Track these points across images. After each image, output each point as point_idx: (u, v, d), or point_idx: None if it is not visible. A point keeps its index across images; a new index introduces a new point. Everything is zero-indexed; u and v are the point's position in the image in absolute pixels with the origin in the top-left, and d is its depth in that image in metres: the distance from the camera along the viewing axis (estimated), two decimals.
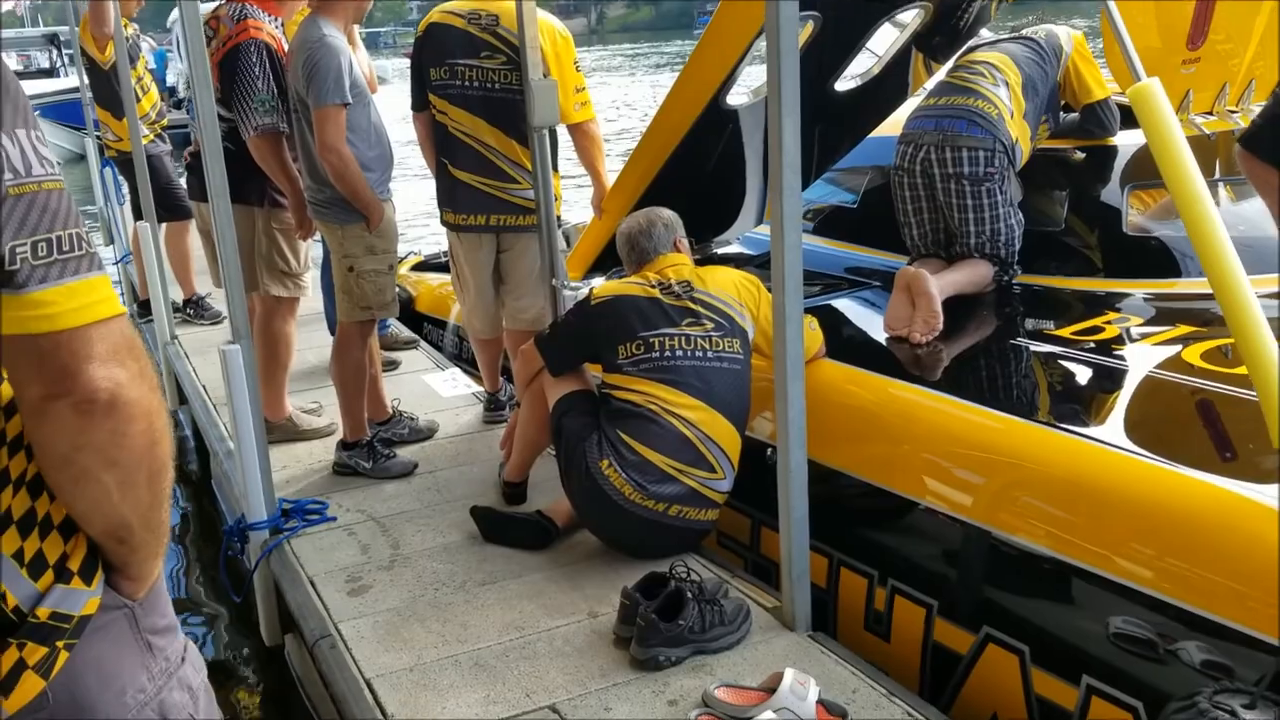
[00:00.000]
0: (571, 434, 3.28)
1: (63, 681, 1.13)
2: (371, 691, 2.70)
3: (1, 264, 0.99)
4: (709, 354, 3.26)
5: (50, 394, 1.04)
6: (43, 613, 1.12)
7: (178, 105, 13.85)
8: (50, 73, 21.63)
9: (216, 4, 4.32)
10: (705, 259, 4.73)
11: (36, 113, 1.09)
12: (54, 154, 1.08)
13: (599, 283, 4.33)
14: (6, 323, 1.00)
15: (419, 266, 6.59)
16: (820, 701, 2.45)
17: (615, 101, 23.44)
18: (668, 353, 3.25)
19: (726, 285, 3.40)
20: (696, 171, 4.31)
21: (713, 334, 3.28)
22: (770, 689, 2.48)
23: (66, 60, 20.50)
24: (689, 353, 3.25)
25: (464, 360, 5.47)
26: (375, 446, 4.07)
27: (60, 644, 1.13)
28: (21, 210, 1.01)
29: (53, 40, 21.96)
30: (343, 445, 4.07)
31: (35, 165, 1.03)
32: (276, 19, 4.25)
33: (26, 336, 1.01)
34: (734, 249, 5.08)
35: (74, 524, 1.16)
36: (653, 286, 3.38)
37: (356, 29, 4.56)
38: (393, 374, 5.11)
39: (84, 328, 1.03)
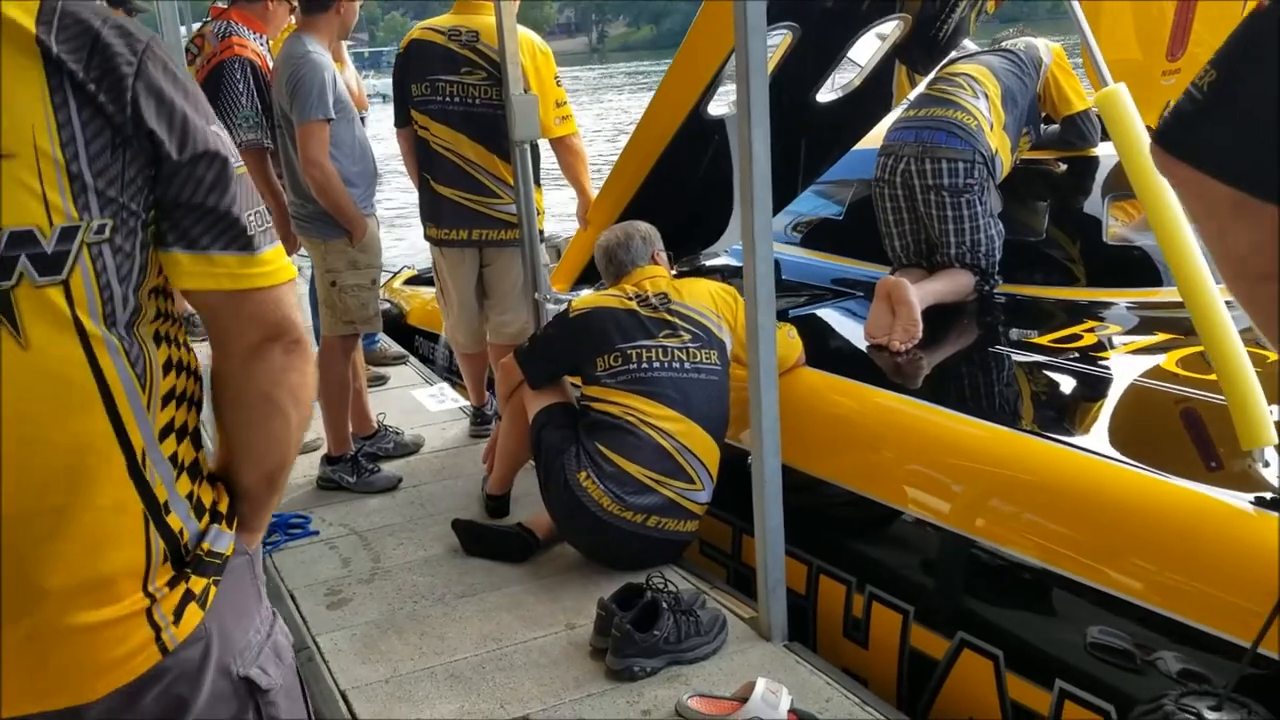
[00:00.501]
0: (550, 446, 3.28)
1: (213, 613, 1.26)
2: (346, 703, 2.69)
3: (244, 230, 1.21)
4: (686, 365, 3.26)
5: (268, 337, 1.25)
6: (204, 547, 1.27)
7: None
8: None
9: (202, 22, 4.35)
10: (693, 270, 4.74)
11: None
12: None
13: (586, 294, 4.34)
14: (244, 279, 1.21)
15: (411, 280, 6.61)
16: (793, 710, 2.44)
17: (618, 124, 23.50)
18: (645, 364, 3.26)
19: (703, 296, 3.40)
20: (684, 183, 4.32)
21: (690, 345, 3.29)
22: (743, 699, 2.48)
23: None
24: (666, 364, 3.26)
25: (455, 374, 5.47)
26: (360, 461, 4.07)
27: (212, 579, 1.27)
28: (245, 187, 1.22)
29: None
30: (327, 460, 4.08)
31: (236, 151, 1.24)
32: (261, 36, 4.29)
33: (253, 290, 1.22)
34: (722, 260, 5.08)
35: (214, 475, 1.34)
36: (630, 299, 3.39)
37: (346, 46, 4.60)
38: (381, 389, 5.12)
39: (288, 283, 1.26)
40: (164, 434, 1.22)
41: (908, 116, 3.91)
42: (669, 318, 3.33)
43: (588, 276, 4.68)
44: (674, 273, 3.81)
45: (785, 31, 3.80)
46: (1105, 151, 4.00)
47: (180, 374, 1.25)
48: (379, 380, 5.17)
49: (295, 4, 4.24)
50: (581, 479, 3.15)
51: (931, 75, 4.12)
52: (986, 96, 3.79)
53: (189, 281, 1.21)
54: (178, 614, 1.23)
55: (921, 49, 4.18)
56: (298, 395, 1.31)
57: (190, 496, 1.26)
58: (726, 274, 4.65)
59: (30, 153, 1.08)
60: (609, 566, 3.24)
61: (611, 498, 3.12)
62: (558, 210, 5.41)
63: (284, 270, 1.26)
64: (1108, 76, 2.53)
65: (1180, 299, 3.45)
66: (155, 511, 1.21)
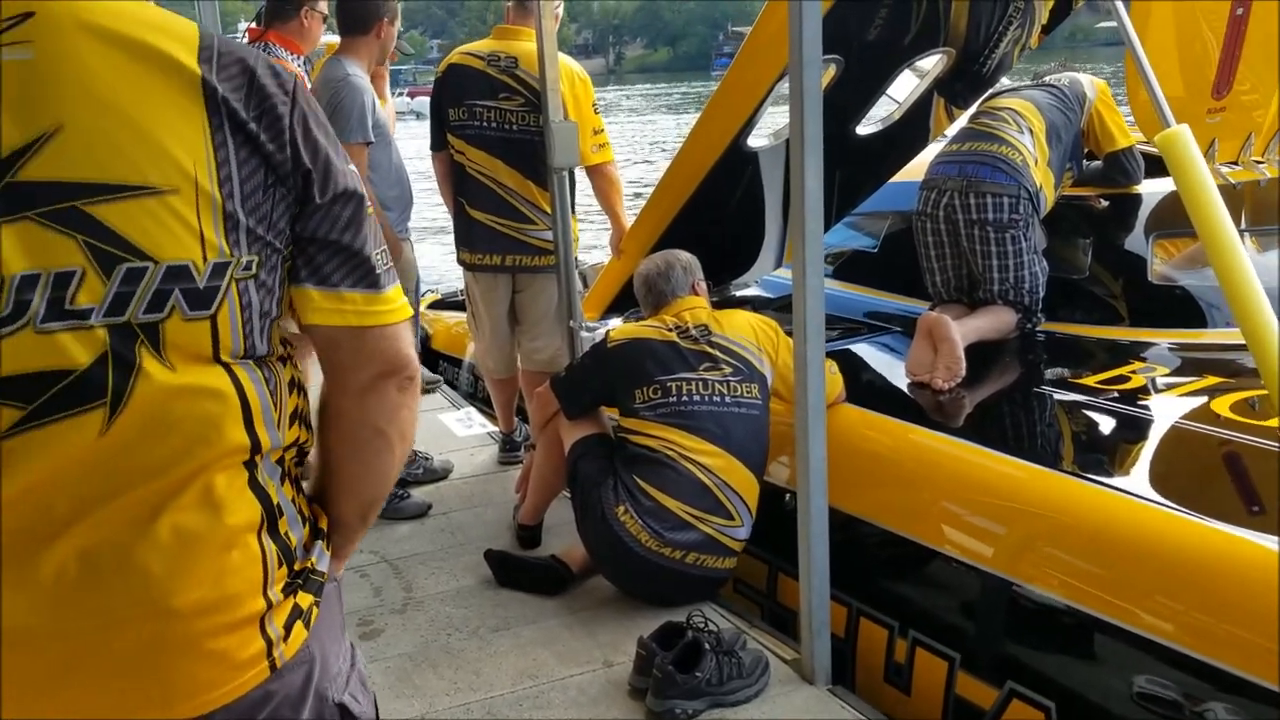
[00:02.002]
0: (587, 478, 3.24)
1: (315, 637, 1.26)
2: None
3: (373, 269, 1.24)
4: (727, 399, 3.22)
5: (384, 373, 1.27)
6: (311, 562, 1.28)
7: None
8: None
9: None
10: (723, 301, 4.71)
11: None
12: None
13: (616, 323, 4.31)
14: (369, 316, 1.24)
15: (435, 305, 6.59)
16: None
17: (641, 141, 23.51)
18: (685, 397, 3.22)
19: (744, 329, 3.36)
20: (716, 213, 4.29)
21: (730, 379, 3.25)
22: None
23: None
24: (706, 398, 3.21)
25: (479, 399, 5.44)
26: None
27: (316, 599, 1.27)
28: (373, 227, 1.26)
29: None
30: None
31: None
32: (299, 57, 4.27)
33: (374, 327, 1.24)
34: (752, 291, 5.05)
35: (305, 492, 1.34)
36: (670, 330, 3.35)
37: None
38: None
39: (406, 321, 1.29)
40: (288, 448, 1.26)
41: (951, 150, 3.87)
42: (709, 350, 3.29)
43: (618, 305, 4.66)
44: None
45: (830, 64, 3.77)
46: (1149, 189, 3.96)
47: (298, 392, 1.28)
48: None
49: (325, 18, 4.24)
50: (619, 513, 3.10)
51: (974, 109, 4.08)
52: (1031, 132, 3.75)
53: (318, 317, 1.22)
54: (287, 629, 1.23)
55: (964, 83, 4.15)
56: (405, 431, 1.33)
57: (295, 503, 1.27)
58: (757, 305, 4.62)
59: (191, 189, 1.09)
60: (645, 602, 3.19)
61: (650, 533, 3.07)
62: (586, 240, 5.38)
63: (403, 309, 1.28)
64: (1170, 117, 2.49)
65: (1226, 341, 3.47)
66: (271, 515, 1.22)
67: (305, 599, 1.25)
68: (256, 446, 1.18)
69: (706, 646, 2.72)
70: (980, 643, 2.78)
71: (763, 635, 3.02)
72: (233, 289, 1.13)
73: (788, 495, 3.22)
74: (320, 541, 1.31)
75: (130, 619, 1.12)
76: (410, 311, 1.30)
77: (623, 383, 3.33)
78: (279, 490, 1.23)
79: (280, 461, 1.24)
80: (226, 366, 1.14)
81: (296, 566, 1.25)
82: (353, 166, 1.25)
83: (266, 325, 1.18)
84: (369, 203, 1.26)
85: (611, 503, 3.12)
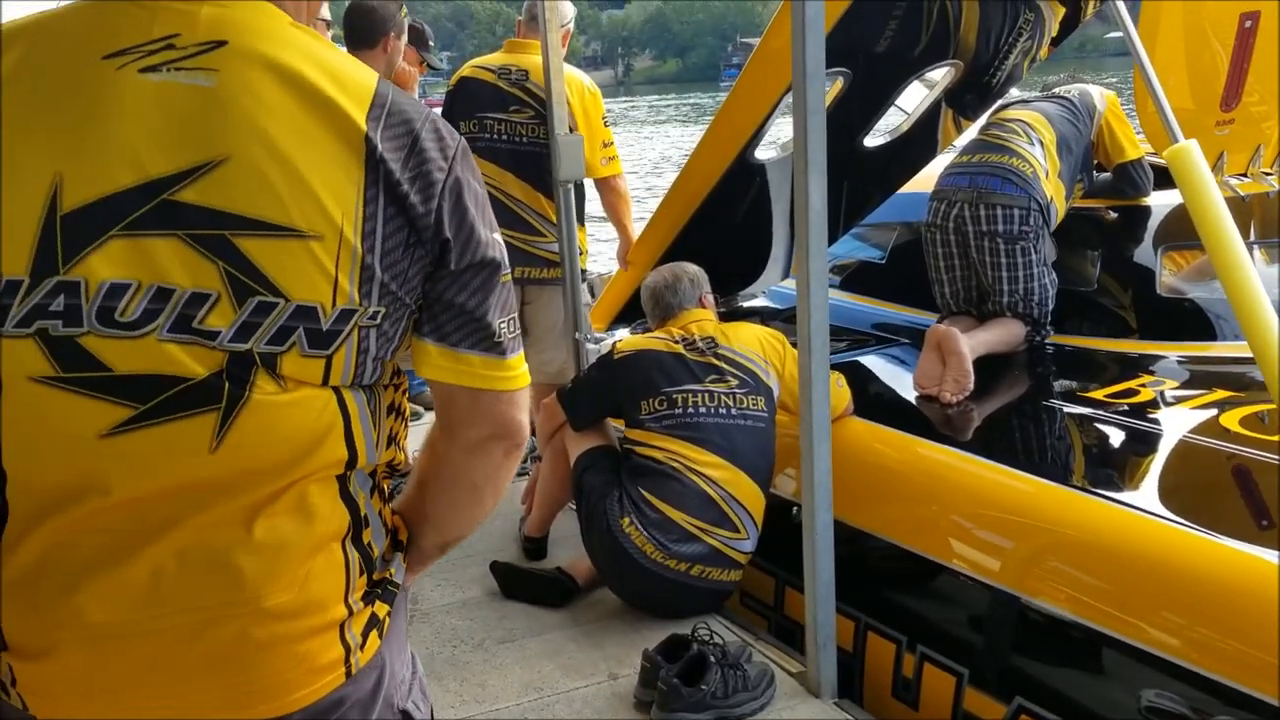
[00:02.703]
0: (593, 490, 3.24)
1: (386, 644, 1.29)
2: None
3: (494, 335, 1.25)
4: (733, 411, 3.22)
5: (493, 435, 1.30)
6: (391, 572, 1.31)
7: None
8: None
9: None
10: (730, 312, 4.70)
11: None
12: None
13: (623, 335, 4.31)
14: (486, 380, 1.26)
15: None
16: None
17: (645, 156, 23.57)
18: (691, 409, 3.21)
19: (751, 341, 3.36)
20: (723, 225, 4.29)
21: (737, 391, 3.24)
22: None
23: None
24: (712, 410, 3.21)
25: None
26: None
27: (390, 609, 1.30)
28: (505, 295, 1.27)
29: None
30: None
31: (508, 258, 1.28)
32: None
33: (490, 391, 1.27)
34: (760, 302, 5.05)
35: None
36: (676, 342, 3.35)
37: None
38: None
39: (524, 389, 1.30)
40: (385, 470, 1.30)
41: (961, 162, 3.87)
42: (716, 362, 3.29)
43: (626, 316, 4.65)
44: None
45: (837, 77, 3.77)
46: (1158, 201, 3.94)
47: (397, 417, 1.31)
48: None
49: (330, 24, 4.25)
50: (625, 525, 3.10)
51: (984, 121, 4.08)
52: (1042, 143, 3.74)
53: (433, 373, 1.25)
54: (364, 636, 1.26)
55: (973, 94, 4.15)
56: (499, 488, 1.38)
57: (382, 515, 1.30)
58: (765, 316, 4.62)
59: (335, 238, 1.13)
60: (651, 614, 3.18)
61: (655, 545, 3.06)
62: (594, 251, 5.39)
63: (522, 377, 1.30)
64: (1178, 132, 2.48)
65: (1234, 354, 3.45)
66: (358, 525, 1.24)
67: (381, 609, 1.29)
68: (353, 462, 1.21)
69: (711, 659, 2.71)
70: (988, 658, 2.76)
71: (768, 648, 3.01)
72: (354, 334, 1.16)
73: (795, 508, 3.21)
74: (400, 554, 1.34)
75: (222, 617, 1.15)
76: (529, 380, 1.33)
77: (629, 394, 3.32)
78: (368, 501, 1.26)
79: (372, 474, 1.27)
80: (336, 389, 1.18)
81: (376, 576, 1.28)
82: (498, 235, 1.27)
83: (379, 365, 1.21)
84: (506, 270, 1.27)
85: (616, 515, 3.12)
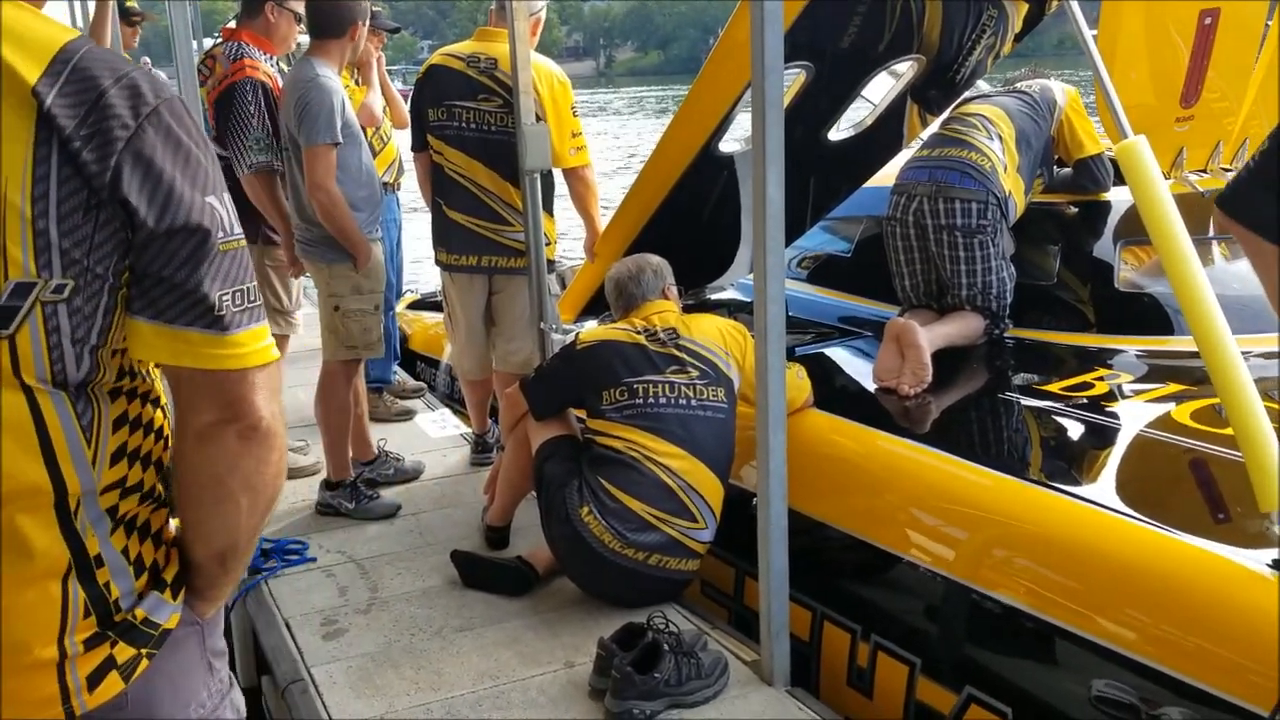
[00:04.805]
0: (553, 480, 3.25)
1: (140, 686, 1.21)
2: None
3: (212, 309, 1.15)
4: (693, 402, 3.23)
5: (222, 419, 1.19)
6: (139, 614, 1.22)
7: None
8: None
9: (213, 43, 4.34)
10: (699, 304, 4.72)
11: None
12: None
13: (591, 325, 4.32)
14: (206, 359, 1.16)
15: (414, 305, 6.58)
16: None
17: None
18: (651, 399, 3.23)
19: (712, 333, 3.38)
20: (692, 217, 4.30)
21: (697, 382, 3.26)
22: None
23: None
24: (673, 400, 3.23)
25: (455, 400, 5.44)
26: (359, 487, 4.03)
27: (144, 651, 1.22)
28: (227, 264, 1.17)
29: None
30: (326, 485, 4.04)
31: (235, 224, 1.20)
32: (272, 57, 4.27)
33: (216, 371, 1.17)
34: (728, 294, 5.07)
35: (163, 538, 1.28)
36: (638, 333, 3.36)
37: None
38: (404, 421, 5.09)
39: (259, 367, 1.20)
40: (109, 489, 1.19)
41: (922, 156, 3.89)
42: (677, 354, 3.30)
43: (593, 307, 4.66)
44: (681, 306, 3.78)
45: (800, 71, 3.79)
46: (1117, 196, 3.98)
47: (138, 431, 1.21)
48: (406, 414, 5.13)
49: (299, 18, 4.24)
50: (584, 514, 3.11)
51: (945, 115, 4.10)
52: (1001, 138, 3.77)
53: (146, 352, 1.17)
54: (93, 680, 1.18)
55: (938, 90, 4.17)
56: (253, 483, 1.25)
57: (127, 553, 1.21)
58: (733, 308, 4.63)
59: None
60: (609, 603, 3.20)
61: (613, 534, 3.08)
62: (575, 235, 5.38)
63: (257, 354, 1.20)
64: (1128, 128, 2.51)
65: (1190, 348, 3.48)
66: (83, 563, 1.17)
67: (126, 651, 1.20)
68: (62, 487, 1.13)
69: (666, 648, 2.73)
70: (940, 648, 2.79)
71: (724, 637, 3.03)
72: (37, 311, 1.08)
73: (754, 499, 3.23)
74: (159, 592, 1.25)
75: None
76: (272, 356, 1.23)
77: (590, 384, 3.34)
78: (104, 539, 1.18)
79: (113, 510, 1.19)
80: (29, 391, 1.10)
81: (117, 618, 1.20)
82: (214, 200, 1.17)
83: (84, 352, 1.12)
84: (229, 238, 1.18)
85: (576, 504, 3.13)
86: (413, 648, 3.06)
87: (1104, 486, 2.77)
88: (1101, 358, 3.60)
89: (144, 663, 1.22)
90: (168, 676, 1.24)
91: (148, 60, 6.79)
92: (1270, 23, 4.20)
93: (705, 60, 3.79)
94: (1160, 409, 3.14)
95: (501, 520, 3.67)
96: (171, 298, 1.14)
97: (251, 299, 1.20)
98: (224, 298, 1.16)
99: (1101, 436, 3.12)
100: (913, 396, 3.43)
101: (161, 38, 7.43)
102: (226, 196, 1.20)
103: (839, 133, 4.30)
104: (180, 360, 1.16)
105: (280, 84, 4.13)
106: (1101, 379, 3.41)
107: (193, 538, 1.29)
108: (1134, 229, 3.85)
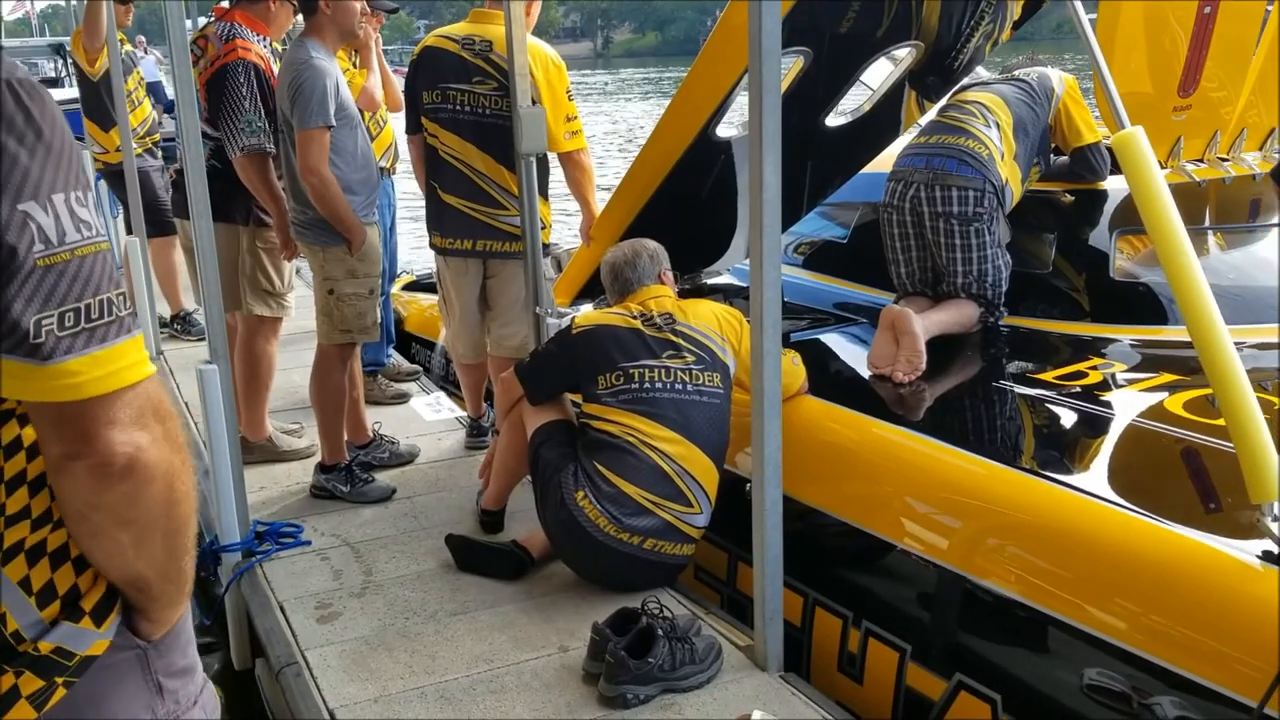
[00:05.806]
0: (548, 464, 3.25)
1: (59, 715, 1.14)
2: None
3: (27, 337, 0.99)
4: (688, 387, 3.24)
5: (68, 454, 1.06)
6: (45, 646, 1.13)
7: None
8: (55, 83, 21.57)
9: (205, 23, 4.31)
10: (695, 289, 4.72)
11: None
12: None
13: (587, 309, 4.31)
14: (33, 391, 1.02)
15: (409, 287, 6.57)
16: None
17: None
18: (647, 384, 3.23)
19: (708, 318, 3.38)
20: (689, 201, 4.29)
21: (693, 367, 3.26)
22: None
23: (71, 71, 20.43)
24: (668, 385, 3.23)
25: (450, 382, 5.44)
26: (354, 470, 4.03)
27: (59, 680, 1.14)
28: (50, 281, 1.01)
29: (58, 50, 21.90)
30: (321, 468, 4.04)
31: (70, 231, 1.03)
32: (265, 39, 4.25)
33: (49, 403, 1.03)
34: (724, 279, 5.06)
35: (85, 562, 1.17)
36: (634, 318, 3.36)
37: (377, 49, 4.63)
38: (398, 404, 5.09)
39: (107, 395, 1.04)
40: (12, 520, 1.09)
41: (919, 143, 3.89)
42: (673, 338, 3.30)
43: (589, 291, 4.66)
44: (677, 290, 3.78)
45: (798, 56, 3.78)
46: (1114, 185, 3.98)
47: (18, 454, 1.10)
48: (401, 398, 5.13)
49: (296, 9, 4.21)
50: (579, 498, 3.12)
51: (943, 102, 4.10)
52: (998, 126, 3.77)
53: None
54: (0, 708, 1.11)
55: (936, 76, 4.16)
56: (128, 518, 1.11)
57: (27, 583, 1.11)
58: (729, 293, 4.63)
59: None
60: (604, 587, 3.21)
61: (609, 519, 3.09)
62: (554, 224, 5.37)
63: (102, 381, 1.04)
64: (1125, 118, 2.50)
65: (1184, 338, 3.49)
66: None
67: (33, 682, 1.11)
68: None
69: (660, 632, 2.74)
70: (930, 634, 2.81)
71: (718, 622, 3.04)
72: None
73: (748, 484, 3.24)
74: (72, 621, 1.15)
75: None
76: (123, 381, 1.06)
77: (586, 369, 3.34)
78: None
79: (20, 544, 1.11)
80: None
81: (20, 648, 1.12)
82: (34, 208, 1.01)
83: None
84: (49, 252, 1.01)
85: (571, 488, 3.14)
86: (407, 631, 3.07)
87: (1096, 476, 2.79)
88: (1096, 347, 3.60)
89: (60, 690, 1.14)
90: (95, 702, 1.16)
91: (143, 39, 6.75)
92: (1270, 9, 4.19)
93: (703, 43, 3.78)
94: (1154, 399, 3.15)
95: (496, 504, 3.68)
96: None
97: (93, 316, 1.03)
98: (44, 321, 1.00)
99: (1095, 426, 3.12)
100: (907, 384, 3.44)
101: (156, 16, 7.39)
102: (69, 196, 1.04)
103: (836, 118, 4.29)
104: (3, 390, 1.02)
105: (273, 65, 4.11)
106: (1095, 368, 3.42)
107: (95, 567, 1.18)
108: (1130, 218, 3.85)
